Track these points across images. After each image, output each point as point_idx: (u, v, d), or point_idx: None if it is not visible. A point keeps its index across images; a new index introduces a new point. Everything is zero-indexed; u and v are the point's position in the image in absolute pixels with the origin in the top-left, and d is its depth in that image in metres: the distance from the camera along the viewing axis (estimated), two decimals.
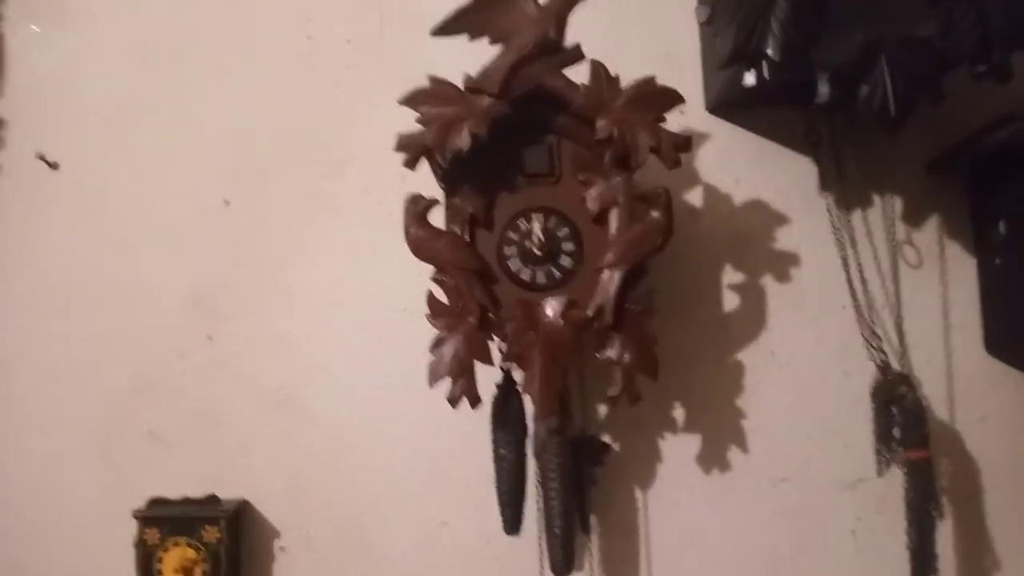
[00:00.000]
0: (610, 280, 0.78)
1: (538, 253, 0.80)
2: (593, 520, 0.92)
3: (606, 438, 0.93)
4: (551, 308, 0.79)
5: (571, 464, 0.82)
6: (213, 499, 0.91)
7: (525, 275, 0.81)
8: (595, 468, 0.90)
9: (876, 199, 0.94)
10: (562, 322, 0.79)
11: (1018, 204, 0.84)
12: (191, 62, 0.99)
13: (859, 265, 0.92)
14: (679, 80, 0.91)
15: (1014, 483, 0.92)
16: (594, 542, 0.92)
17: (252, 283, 0.97)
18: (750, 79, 0.80)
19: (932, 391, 0.92)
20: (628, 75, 0.80)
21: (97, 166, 0.99)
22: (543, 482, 0.82)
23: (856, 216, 0.93)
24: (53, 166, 0.99)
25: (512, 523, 0.83)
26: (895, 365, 0.90)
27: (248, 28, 0.99)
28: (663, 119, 0.78)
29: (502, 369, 0.82)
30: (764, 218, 0.95)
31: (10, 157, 0.99)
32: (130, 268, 0.98)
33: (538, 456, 0.83)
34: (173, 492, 0.92)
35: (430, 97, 0.78)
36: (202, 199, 0.98)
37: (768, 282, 0.94)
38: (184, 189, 0.98)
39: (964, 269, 0.94)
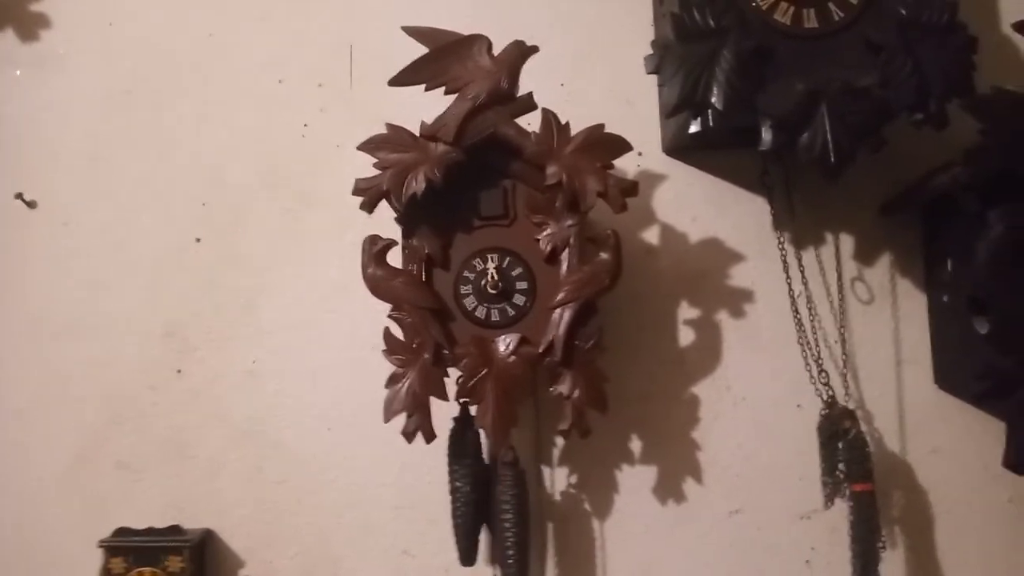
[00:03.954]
0: (560, 318, 0.80)
1: (492, 292, 0.82)
2: (550, 551, 0.93)
3: (563, 470, 0.94)
4: (504, 345, 0.81)
5: (525, 496, 0.84)
6: (176, 529, 0.92)
7: (480, 313, 0.83)
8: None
9: (828, 238, 0.95)
10: (514, 358, 0.81)
11: (961, 244, 0.85)
12: (165, 104, 1.02)
13: (810, 302, 0.93)
14: (638, 123, 0.96)
15: (964, 514, 0.93)
16: (551, 573, 0.93)
17: (222, 318, 0.99)
18: (695, 127, 0.83)
19: (884, 424, 0.94)
20: (590, 119, 0.82)
21: (73, 205, 1.01)
22: (498, 514, 0.83)
23: (809, 254, 0.95)
24: (31, 205, 1.01)
25: (467, 555, 0.85)
26: (843, 400, 0.91)
27: (221, 71, 1.02)
28: (611, 165, 0.80)
29: (459, 403, 0.84)
30: (719, 255, 0.96)
31: None
32: (103, 303, 1.00)
33: (493, 488, 0.85)
34: (142, 522, 0.93)
35: (387, 143, 0.80)
36: (174, 236, 1.00)
37: (723, 318, 0.96)
38: (157, 227, 1.01)
39: (915, 305, 0.95)
